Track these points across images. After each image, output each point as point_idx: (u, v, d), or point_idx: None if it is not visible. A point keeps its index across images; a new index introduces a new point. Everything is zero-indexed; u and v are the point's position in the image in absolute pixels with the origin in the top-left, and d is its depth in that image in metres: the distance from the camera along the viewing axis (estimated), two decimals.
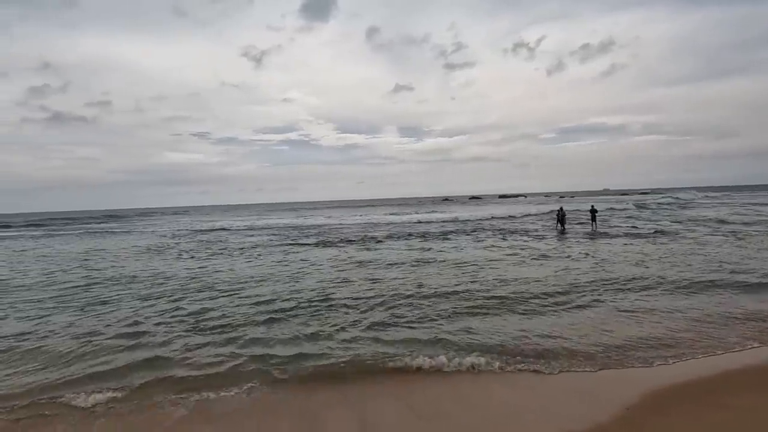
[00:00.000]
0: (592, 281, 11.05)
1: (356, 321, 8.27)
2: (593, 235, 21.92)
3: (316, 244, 22.79)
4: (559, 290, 10.20)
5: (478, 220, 37.84)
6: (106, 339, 7.76)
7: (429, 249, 18.72)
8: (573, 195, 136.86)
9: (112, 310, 9.85)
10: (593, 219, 25.58)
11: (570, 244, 19.16)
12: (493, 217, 39.92)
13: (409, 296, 10.04)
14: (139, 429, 4.74)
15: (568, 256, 15.31)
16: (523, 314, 8.43)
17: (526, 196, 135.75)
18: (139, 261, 18.50)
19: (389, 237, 25.16)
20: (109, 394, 5.50)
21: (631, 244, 18.22)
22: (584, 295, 9.67)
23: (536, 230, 26.05)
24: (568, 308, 8.75)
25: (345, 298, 10.05)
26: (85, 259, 19.65)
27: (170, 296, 11.02)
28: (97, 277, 14.33)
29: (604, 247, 17.34)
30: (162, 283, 12.87)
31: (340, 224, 39.17)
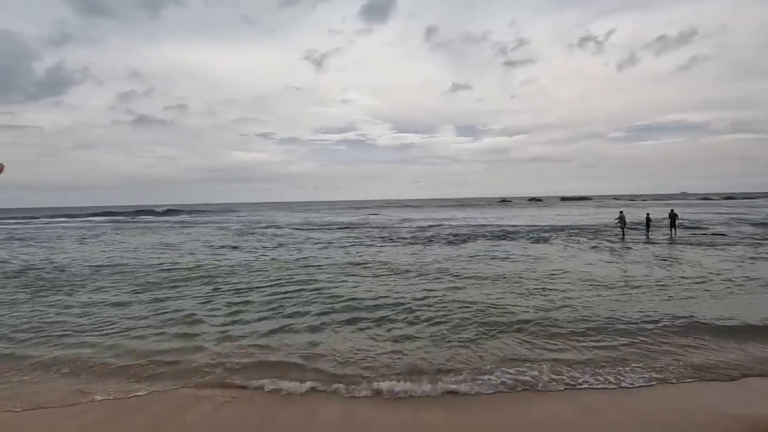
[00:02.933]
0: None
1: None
2: (672, 242, 20.38)
3: (451, 243, 23.09)
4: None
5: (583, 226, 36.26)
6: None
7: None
8: (644, 198, 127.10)
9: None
10: (673, 225, 23.71)
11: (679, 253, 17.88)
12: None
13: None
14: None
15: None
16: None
17: (591, 198, 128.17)
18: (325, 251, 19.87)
19: (510, 237, 24.89)
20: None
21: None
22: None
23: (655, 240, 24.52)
24: None
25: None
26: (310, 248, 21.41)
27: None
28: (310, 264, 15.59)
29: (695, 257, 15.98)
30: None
31: (479, 225, 39.30)
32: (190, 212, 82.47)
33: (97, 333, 8.01)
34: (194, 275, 13.82)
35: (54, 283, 12.96)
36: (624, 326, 7.68)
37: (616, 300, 9.56)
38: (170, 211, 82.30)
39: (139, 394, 5.50)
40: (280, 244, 23.05)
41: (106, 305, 10.09)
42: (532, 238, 23.75)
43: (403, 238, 25.82)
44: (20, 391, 5.63)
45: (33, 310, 9.76)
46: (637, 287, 10.70)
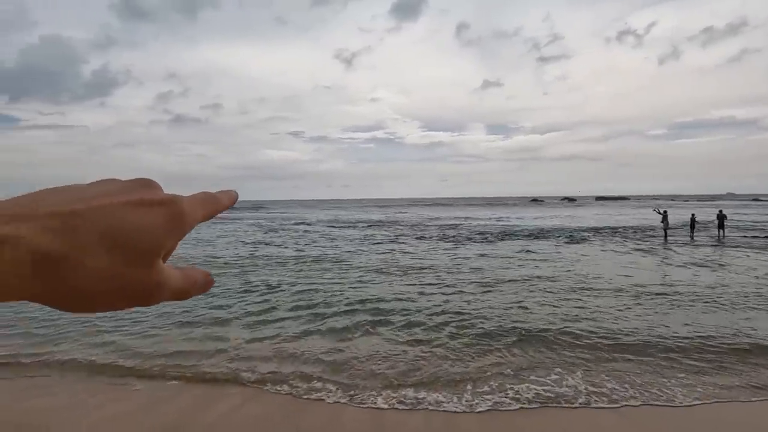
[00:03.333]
0: None
1: None
2: (720, 244, 19.16)
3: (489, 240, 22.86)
4: None
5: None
6: None
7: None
8: (686, 199, 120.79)
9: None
10: (721, 226, 22.32)
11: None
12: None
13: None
14: None
15: None
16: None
17: (629, 198, 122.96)
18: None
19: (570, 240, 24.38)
20: None
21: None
22: None
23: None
24: None
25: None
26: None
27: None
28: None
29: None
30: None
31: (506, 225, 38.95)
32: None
33: (128, 323, 8.14)
34: (227, 271, 14.01)
35: None
36: (668, 341, 7.09)
37: (660, 311, 8.88)
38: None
39: (163, 388, 5.50)
40: (313, 241, 23.20)
41: None
42: (569, 238, 22.87)
43: (433, 236, 25.47)
44: (40, 383, 5.75)
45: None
46: (682, 294, 9.98)
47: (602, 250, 17.78)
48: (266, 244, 22.28)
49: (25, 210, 0.28)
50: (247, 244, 22.37)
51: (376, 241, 22.78)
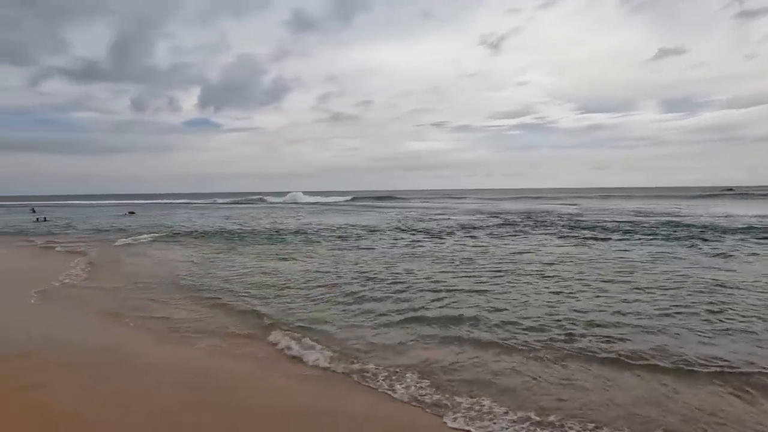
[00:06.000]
0: None
1: None
2: None
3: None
4: None
5: None
6: None
7: None
8: None
9: None
10: None
11: None
12: None
13: None
14: None
15: None
16: None
17: None
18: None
19: None
20: None
21: None
22: None
23: None
24: None
25: None
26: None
27: None
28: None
29: None
30: None
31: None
32: (392, 198, 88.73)
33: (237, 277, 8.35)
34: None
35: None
36: None
37: None
38: (387, 197, 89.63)
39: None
40: (470, 233, 22.24)
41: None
42: None
43: (607, 229, 22.01)
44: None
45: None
46: None
47: None
48: (426, 233, 22.11)
49: None
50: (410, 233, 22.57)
51: (528, 237, 20.54)
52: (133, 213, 53.45)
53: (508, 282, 10.83)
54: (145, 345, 6.86)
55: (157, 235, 23.99)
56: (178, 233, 24.98)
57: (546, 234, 21.84)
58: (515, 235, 21.32)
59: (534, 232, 22.85)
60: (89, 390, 5.29)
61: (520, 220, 30.75)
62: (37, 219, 39.60)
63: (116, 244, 20.55)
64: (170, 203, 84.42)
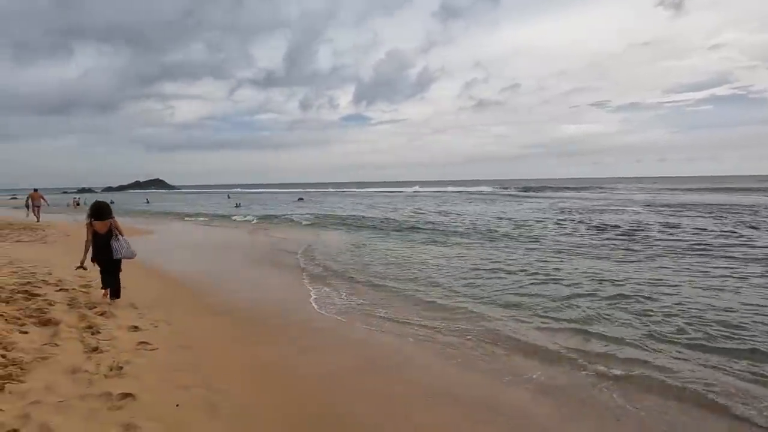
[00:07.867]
0: None
1: None
2: None
3: None
4: None
5: None
6: None
7: None
8: None
9: None
10: None
11: None
12: None
13: None
14: None
15: None
16: None
17: None
18: None
19: None
20: None
21: None
22: None
23: None
24: None
25: None
26: None
27: None
28: None
29: None
30: None
31: None
32: (555, 189, 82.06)
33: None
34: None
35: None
36: None
37: None
38: (545, 188, 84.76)
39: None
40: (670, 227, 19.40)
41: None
42: None
43: None
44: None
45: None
46: None
47: None
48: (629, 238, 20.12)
49: None
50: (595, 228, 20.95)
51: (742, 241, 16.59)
52: (301, 200, 62.27)
53: None
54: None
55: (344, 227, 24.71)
56: (362, 226, 25.00)
57: None
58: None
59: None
60: (290, 343, 6.52)
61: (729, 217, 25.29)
62: (237, 205, 49.47)
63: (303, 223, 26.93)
64: (331, 191, 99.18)
